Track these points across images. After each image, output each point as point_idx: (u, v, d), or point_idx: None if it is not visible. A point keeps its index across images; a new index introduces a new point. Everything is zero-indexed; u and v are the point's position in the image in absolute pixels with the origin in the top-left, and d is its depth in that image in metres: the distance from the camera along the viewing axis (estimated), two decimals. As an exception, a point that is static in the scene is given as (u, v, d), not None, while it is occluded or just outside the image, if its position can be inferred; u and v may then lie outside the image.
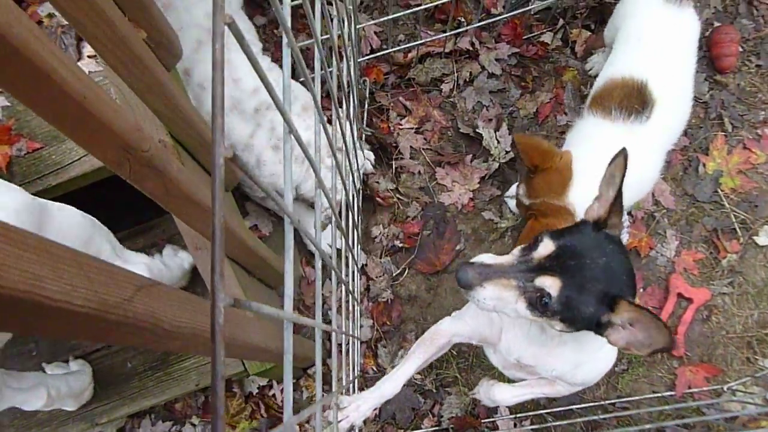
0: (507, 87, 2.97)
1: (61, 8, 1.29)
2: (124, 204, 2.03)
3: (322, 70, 1.13)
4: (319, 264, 1.17)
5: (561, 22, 2.99)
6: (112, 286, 0.92)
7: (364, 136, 2.82)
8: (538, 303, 1.23)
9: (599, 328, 1.23)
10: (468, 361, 2.71)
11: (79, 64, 2.03)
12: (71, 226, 1.70)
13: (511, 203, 2.65)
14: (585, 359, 1.66)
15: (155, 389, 2.21)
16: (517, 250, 1.33)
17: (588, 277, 1.20)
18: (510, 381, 2.05)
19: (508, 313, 1.29)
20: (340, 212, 2.14)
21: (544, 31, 2.99)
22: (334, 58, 1.45)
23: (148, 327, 1.01)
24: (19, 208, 1.45)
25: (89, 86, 1.09)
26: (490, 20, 2.85)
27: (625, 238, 2.74)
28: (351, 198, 2.21)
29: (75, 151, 1.92)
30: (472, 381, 2.69)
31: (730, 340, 2.69)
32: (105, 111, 1.16)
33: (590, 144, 2.18)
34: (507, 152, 2.88)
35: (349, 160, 1.97)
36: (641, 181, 2.21)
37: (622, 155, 1.29)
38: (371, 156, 2.78)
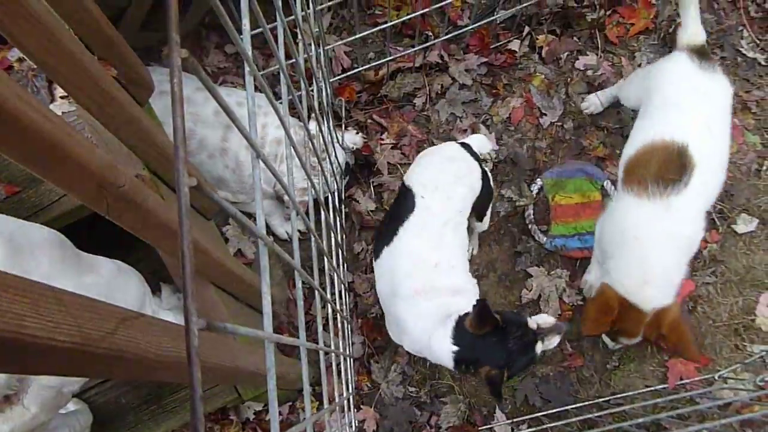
0: (478, 96, 3.01)
1: (29, 53, 1.31)
2: (103, 242, 2.04)
3: (289, 95, 1.16)
4: (299, 283, 1.19)
5: (527, 29, 3.04)
6: (96, 320, 0.93)
7: (343, 141, 2.85)
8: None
9: None
10: (461, 370, 2.72)
11: (51, 105, 2.05)
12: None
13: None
14: None
15: (150, 422, 2.21)
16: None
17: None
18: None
19: None
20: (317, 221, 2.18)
21: (511, 39, 3.05)
22: (302, 80, 1.48)
23: (134, 358, 1.03)
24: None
25: (61, 127, 1.11)
26: (456, 32, 2.90)
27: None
28: (332, 204, 2.25)
29: (54, 191, 1.93)
30: (466, 389, 2.71)
31: (717, 329, 2.73)
32: (78, 150, 1.18)
33: (629, 237, 2.22)
34: (496, 150, 2.93)
35: (325, 174, 1.99)
36: (689, 250, 2.22)
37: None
38: (357, 139, 2.83)
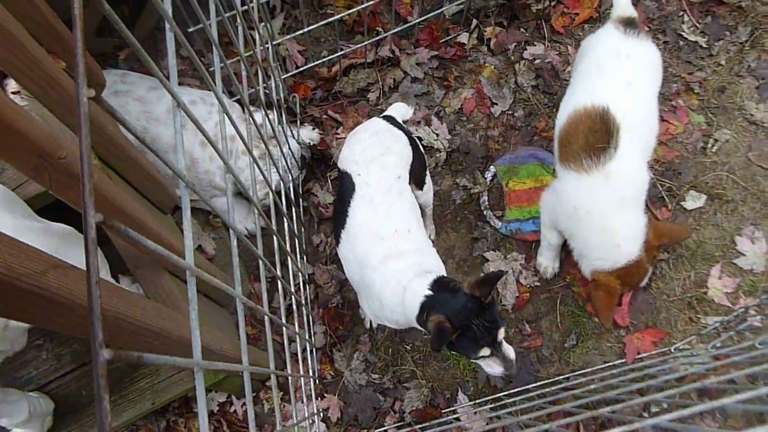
0: (431, 89, 3.09)
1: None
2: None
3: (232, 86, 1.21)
4: (263, 275, 1.24)
5: (474, 22, 3.13)
6: (23, 258, 0.98)
7: (299, 136, 2.90)
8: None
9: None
10: (423, 353, 2.76)
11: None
12: None
13: None
14: None
15: (112, 412, 2.22)
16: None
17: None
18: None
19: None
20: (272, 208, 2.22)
21: (460, 32, 3.13)
22: (243, 69, 1.53)
23: (66, 303, 1.07)
24: None
25: (2, 98, 1.16)
26: (405, 26, 2.98)
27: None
28: (287, 195, 2.29)
29: (16, 178, 1.98)
30: (429, 373, 2.74)
31: (671, 303, 2.79)
32: (18, 120, 1.23)
33: (582, 214, 2.31)
34: (448, 140, 3.00)
35: (276, 164, 2.04)
36: (639, 192, 2.30)
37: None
38: (314, 135, 2.90)
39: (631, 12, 2.39)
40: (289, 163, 2.57)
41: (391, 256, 2.04)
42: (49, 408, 2.14)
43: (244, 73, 1.80)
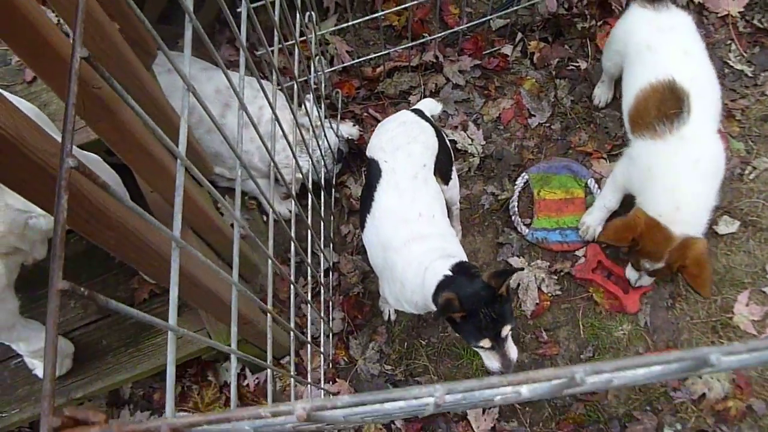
0: (471, 96, 3.16)
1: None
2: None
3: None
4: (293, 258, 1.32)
5: (519, 36, 3.20)
6: (39, 138, 1.09)
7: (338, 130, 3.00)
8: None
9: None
10: (437, 350, 2.78)
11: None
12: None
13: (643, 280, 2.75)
14: None
15: (128, 364, 2.33)
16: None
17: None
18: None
19: None
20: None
21: (505, 44, 3.21)
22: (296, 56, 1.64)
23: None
24: None
25: (46, 21, 1.29)
26: (449, 31, 3.08)
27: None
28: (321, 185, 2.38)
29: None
30: (441, 370, 2.76)
31: (694, 326, 2.75)
32: (57, 40, 1.35)
33: (657, 177, 2.37)
34: (483, 146, 3.06)
35: (310, 154, 2.14)
36: (715, 173, 2.37)
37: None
38: (354, 131, 3.01)
39: None
40: (323, 153, 2.67)
41: (415, 238, 2.09)
42: (69, 350, 2.25)
43: (296, 62, 1.91)
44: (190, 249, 0.99)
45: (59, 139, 1.69)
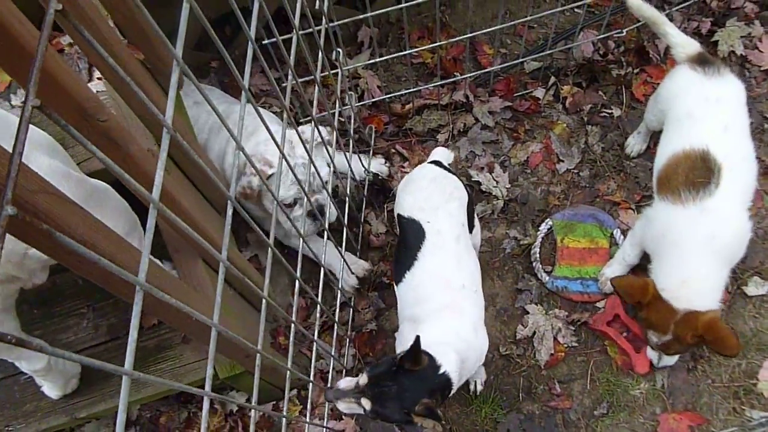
0: (500, 138, 3.13)
1: (76, 40, 1.56)
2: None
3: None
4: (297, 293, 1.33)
5: (553, 79, 3.17)
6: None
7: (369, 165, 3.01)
8: (366, 412, 1.80)
9: (409, 423, 1.84)
10: (446, 395, 2.73)
11: (90, 83, 2.34)
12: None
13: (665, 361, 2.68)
14: None
15: (134, 387, 2.34)
16: (362, 377, 1.84)
17: (385, 399, 1.78)
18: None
19: (361, 413, 1.85)
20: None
21: (537, 87, 3.17)
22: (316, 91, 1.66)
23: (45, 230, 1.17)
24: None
25: (49, 51, 1.32)
26: (482, 71, 3.06)
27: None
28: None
29: (78, 155, 2.18)
30: (449, 415, 2.71)
31: (716, 389, 2.64)
32: (61, 73, 1.38)
33: (672, 246, 2.29)
34: (508, 188, 3.03)
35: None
36: (733, 249, 2.28)
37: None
38: (384, 168, 3.05)
39: (695, 47, 2.43)
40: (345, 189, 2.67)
41: (452, 308, 2.07)
42: (75, 370, 2.29)
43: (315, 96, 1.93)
44: (156, 291, 0.98)
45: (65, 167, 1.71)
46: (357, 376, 1.86)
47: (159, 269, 1.85)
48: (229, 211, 1.31)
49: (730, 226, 2.24)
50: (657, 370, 2.66)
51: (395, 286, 2.29)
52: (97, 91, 2.29)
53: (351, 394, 1.83)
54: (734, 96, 2.37)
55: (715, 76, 2.36)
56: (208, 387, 1.20)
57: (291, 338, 1.94)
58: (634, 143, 3.00)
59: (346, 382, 1.87)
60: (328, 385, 2.59)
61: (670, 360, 2.63)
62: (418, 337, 1.73)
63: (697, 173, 2.21)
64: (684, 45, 2.46)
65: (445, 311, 2.06)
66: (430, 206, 2.22)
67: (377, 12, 2.50)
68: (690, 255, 2.22)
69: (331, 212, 2.48)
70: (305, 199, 2.09)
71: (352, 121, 2.93)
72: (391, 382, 1.78)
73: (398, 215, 2.31)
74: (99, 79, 2.32)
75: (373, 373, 1.82)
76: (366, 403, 1.79)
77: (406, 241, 2.23)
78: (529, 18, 2.73)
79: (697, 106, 2.35)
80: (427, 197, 2.26)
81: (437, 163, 2.44)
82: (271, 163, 2.47)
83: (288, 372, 1.84)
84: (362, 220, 3.00)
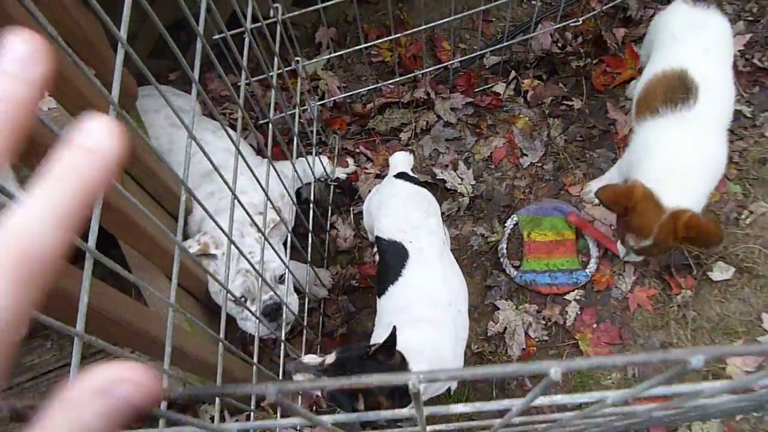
0: (462, 135, 3.12)
1: None
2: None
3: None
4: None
5: (513, 73, 3.16)
6: None
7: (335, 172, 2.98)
8: (322, 392, 1.78)
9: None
10: (420, 396, 2.73)
11: (40, 102, 2.26)
12: None
13: (633, 257, 2.71)
14: None
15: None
16: (329, 357, 1.78)
17: None
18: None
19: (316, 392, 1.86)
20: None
21: (498, 82, 3.17)
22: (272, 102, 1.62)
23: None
24: None
25: None
26: (440, 66, 3.05)
27: (593, 267, 2.86)
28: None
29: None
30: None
31: (686, 375, 2.67)
32: None
33: (654, 149, 2.35)
34: (473, 185, 3.02)
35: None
36: (712, 164, 2.33)
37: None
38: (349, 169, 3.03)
39: None
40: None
41: (432, 322, 2.04)
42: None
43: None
44: (96, 341, 0.95)
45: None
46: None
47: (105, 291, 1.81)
48: (178, 253, 1.28)
49: (708, 137, 2.30)
50: (628, 362, 2.68)
51: (377, 299, 2.26)
52: (49, 108, 2.24)
53: (312, 370, 1.76)
54: (718, 28, 2.44)
55: (702, 7, 2.45)
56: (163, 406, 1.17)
57: (256, 343, 1.91)
58: (636, 85, 3.02)
59: (310, 358, 1.81)
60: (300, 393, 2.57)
61: (636, 257, 2.68)
62: (394, 328, 1.68)
63: (676, 92, 2.29)
64: None
65: (426, 324, 2.02)
66: (410, 226, 2.20)
67: (329, 3, 2.44)
68: (677, 152, 2.28)
69: (289, 312, 2.22)
70: (256, 296, 2.05)
71: (315, 123, 2.90)
72: (357, 369, 1.73)
73: (378, 238, 2.27)
74: (50, 95, 2.25)
75: (341, 355, 1.77)
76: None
77: (388, 262, 2.20)
78: (483, 8, 2.71)
79: (680, 30, 2.44)
80: (405, 217, 2.23)
81: (403, 175, 2.42)
82: (218, 243, 2.31)
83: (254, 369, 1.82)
84: (328, 227, 2.97)
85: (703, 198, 2.30)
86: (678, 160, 2.29)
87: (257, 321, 2.12)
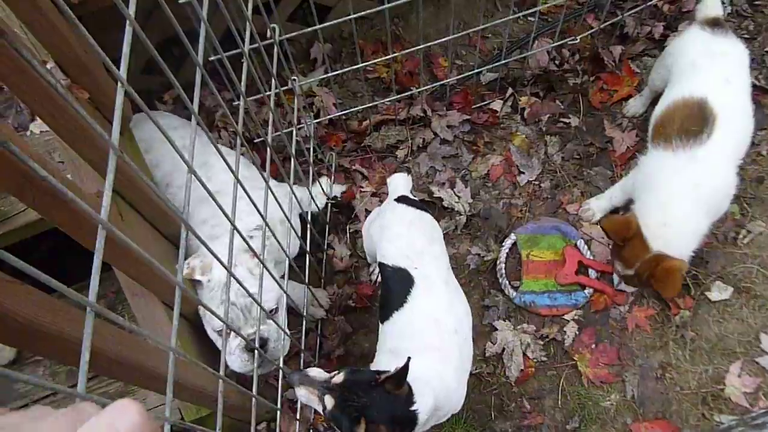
0: (459, 152, 3.10)
1: (8, 84, 1.48)
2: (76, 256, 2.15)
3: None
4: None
5: (510, 90, 3.14)
6: None
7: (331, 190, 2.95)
8: (324, 409, 1.71)
9: None
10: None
11: (32, 124, 2.23)
12: None
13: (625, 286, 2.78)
14: None
15: None
16: (338, 376, 1.75)
17: (348, 406, 1.67)
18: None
19: (315, 407, 1.77)
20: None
21: (495, 99, 3.15)
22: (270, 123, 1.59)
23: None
24: None
25: None
26: (437, 84, 3.03)
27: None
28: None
29: (19, 202, 2.07)
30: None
31: (684, 396, 2.66)
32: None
33: (657, 186, 2.39)
34: (470, 203, 3.00)
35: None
36: (715, 204, 2.38)
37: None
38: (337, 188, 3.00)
39: (718, 11, 2.51)
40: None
41: (439, 352, 2.00)
42: None
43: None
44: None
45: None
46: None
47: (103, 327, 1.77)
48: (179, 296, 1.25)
49: (716, 178, 2.33)
50: (626, 381, 2.67)
51: (380, 324, 2.22)
52: (41, 131, 2.20)
53: (318, 385, 1.74)
54: (738, 55, 2.46)
55: (721, 35, 2.46)
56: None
57: (255, 376, 1.88)
58: (634, 104, 3.08)
59: (317, 372, 1.79)
60: (297, 416, 2.54)
61: (629, 288, 2.77)
62: (409, 359, 1.64)
63: (692, 121, 2.31)
64: (708, 5, 2.53)
65: (433, 352, 1.99)
66: (415, 252, 2.17)
67: (327, 24, 2.42)
68: (673, 199, 2.32)
69: (279, 347, 2.21)
70: (240, 330, 2.03)
71: (312, 141, 2.88)
72: (363, 393, 1.69)
73: (381, 264, 2.23)
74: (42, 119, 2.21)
75: (351, 377, 1.73)
76: (329, 402, 1.70)
77: (393, 288, 2.16)
78: (481, 27, 2.69)
79: (701, 57, 2.45)
80: (409, 244, 2.20)
81: (405, 199, 2.38)
82: (205, 269, 2.24)
83: (253, 400, 1.79)
84: (325, 246, 2.95)
85: (693, 242, 2.36)
86: (674, 210, 2.32)
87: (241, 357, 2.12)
